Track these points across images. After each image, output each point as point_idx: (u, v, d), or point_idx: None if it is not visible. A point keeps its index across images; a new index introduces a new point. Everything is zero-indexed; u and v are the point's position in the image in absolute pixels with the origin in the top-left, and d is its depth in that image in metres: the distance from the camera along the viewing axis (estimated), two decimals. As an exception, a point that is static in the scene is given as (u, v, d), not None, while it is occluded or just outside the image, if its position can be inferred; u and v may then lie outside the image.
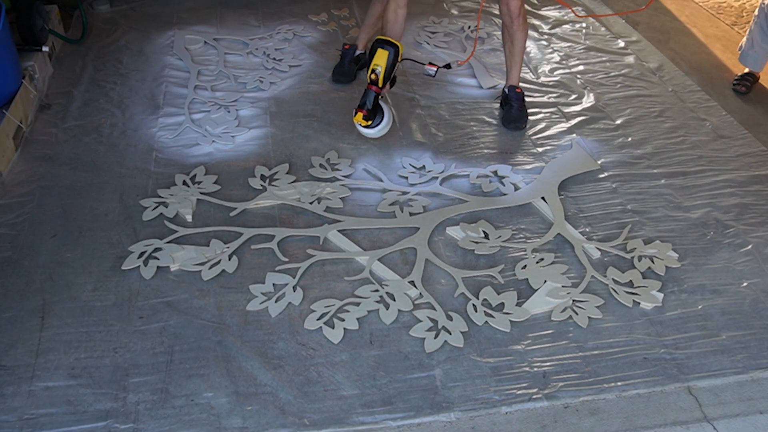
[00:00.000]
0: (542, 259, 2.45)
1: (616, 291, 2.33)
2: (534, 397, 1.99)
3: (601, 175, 2.93)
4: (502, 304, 2.27)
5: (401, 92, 3.48)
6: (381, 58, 2.66)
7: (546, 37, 4.09)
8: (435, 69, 2.87)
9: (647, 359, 2.11)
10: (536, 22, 4.27)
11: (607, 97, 3.52)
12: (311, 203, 2.70)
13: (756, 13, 3.51)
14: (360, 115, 2.70)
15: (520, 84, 3.36)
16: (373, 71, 2.67)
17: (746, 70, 3.64)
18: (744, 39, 3.62)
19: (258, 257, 2.45)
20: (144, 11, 4.30)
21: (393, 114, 2.95)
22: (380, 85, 2.69)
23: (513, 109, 3.23)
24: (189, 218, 2.60)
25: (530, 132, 3.21)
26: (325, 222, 2.61)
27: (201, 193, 2.73)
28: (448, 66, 2.95)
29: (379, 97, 2.73)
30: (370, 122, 2.75)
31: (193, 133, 3.12)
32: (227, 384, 2.00)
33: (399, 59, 2.70)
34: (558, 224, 2.62)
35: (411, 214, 2.67)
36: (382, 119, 2.78)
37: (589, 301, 2.29)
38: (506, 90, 3.29)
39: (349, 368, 2.06)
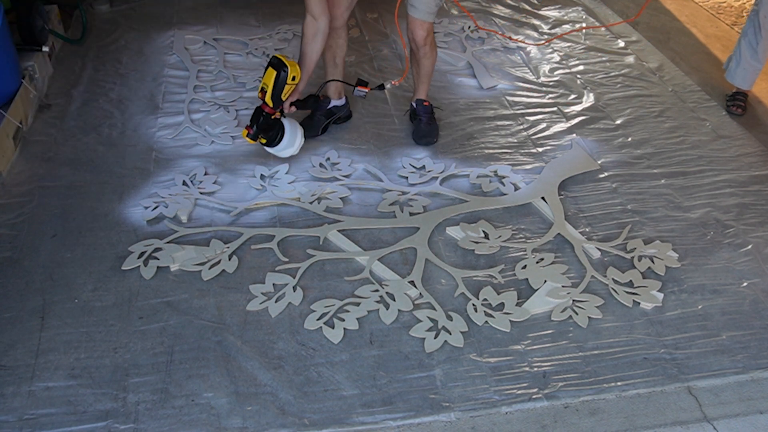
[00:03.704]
0: (542, 259, 2.45)
1: (616, 291, 2.33)
2: (534, 397, 1.99)
3: (601, 175, 2.93)
4: (502, 304, 2.27)
5: (401, 92, 3.48)
6: (269, 78, 2.61)
7: (546, 37, 4.09)
8: (365, 92, 2.85)
9: (647, 359, 2.11)
10: (536, 22, 4.27)
11: (607, 97, 3.52)
12: (311, 203, 2.70)
13: (743, 29, 3.36)
14: (245, 131, 2.68)
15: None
16: (262, 90, 2.63)
17: (734, 89, 3.47)
18: (730, 57, 3.47)
19: (258, 257, 2.45)
20: (144, 11, 4.30)
21: (300, 135, 2.80)
22: (270, 104, 2.63)
23: (422, 123, 3.12)
24: (184, 219, 2.59)
25: (530, 132, 3.21)
26: (325, 222, 2.61)
27: (201, 193, 2.73)
28: (381, 87, 2.91)
29: (272, 116, 2.67)
30: (264, 141, 2.71)
31: (192, 133, 3.12)
32: (227, 384, 2.00)
33: (290, 80, 2.61)
34: (558, 224, 2.62)
35: (411, 214, 2.67)
36: (280, 139, 2.72)
37: (589, 301, 2.29)
38: (413, 104, 3.18)
39: (349, 368, 2.06)
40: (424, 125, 3.13)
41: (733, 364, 2.10)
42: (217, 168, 2.90)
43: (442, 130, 3.20)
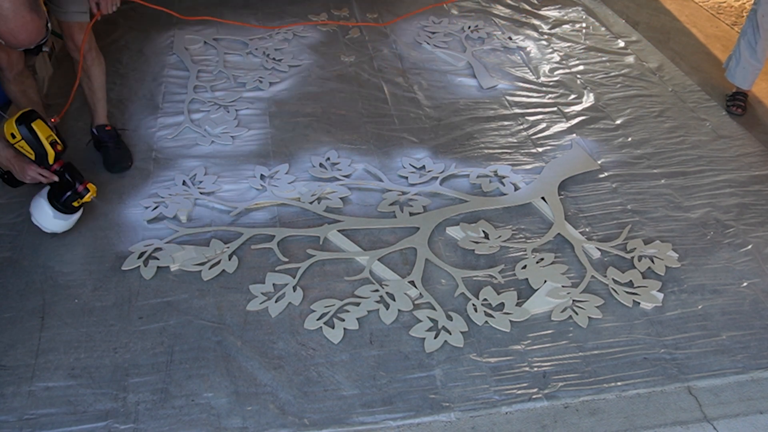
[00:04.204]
0: (542, 259, 2.45)
1: (616, 291, 2.33)
2: (534, 397, 1.99)
3: (601, 175, 2.93)
4: (502, 304, 2.27)
5: (401, 92, 3.48)
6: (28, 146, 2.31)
7: (546, 37, 4.09)
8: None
9: (647, 359, 2.11)
10: (536, 22, 4.27)
11: (607, 97, 3.52)
12: (311, 203, 2.70)
13: (743, 28, 3.38)
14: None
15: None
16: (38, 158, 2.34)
17: (734, 89, 3.47)
18: (730, 57, 3.47)
19: (258, 257, 2.45)
20: (144, 11, 4.29)
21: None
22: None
23: (110, 149, 2.87)
24: (183, 219, 2.59)
25: (530, 132, 3.21)
26: (325, 222, 2.61)
27: (201, 193, 2.73)
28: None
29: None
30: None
31: (192, 133, 3.12)
32: (227, 384, 2.00)
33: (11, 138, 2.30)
34: (558, 224, 2.62)
35: (411, 214, 2.67)
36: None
37: (589, 301, 2.29)
38: (95, 131, 2.90)
39: (349, 368, 2.06)
40: (113, 151, 2.87)
41: (733, 364, 2.10)
42: (217, 168, 2.90)
43: (442, 129, 3.20)
